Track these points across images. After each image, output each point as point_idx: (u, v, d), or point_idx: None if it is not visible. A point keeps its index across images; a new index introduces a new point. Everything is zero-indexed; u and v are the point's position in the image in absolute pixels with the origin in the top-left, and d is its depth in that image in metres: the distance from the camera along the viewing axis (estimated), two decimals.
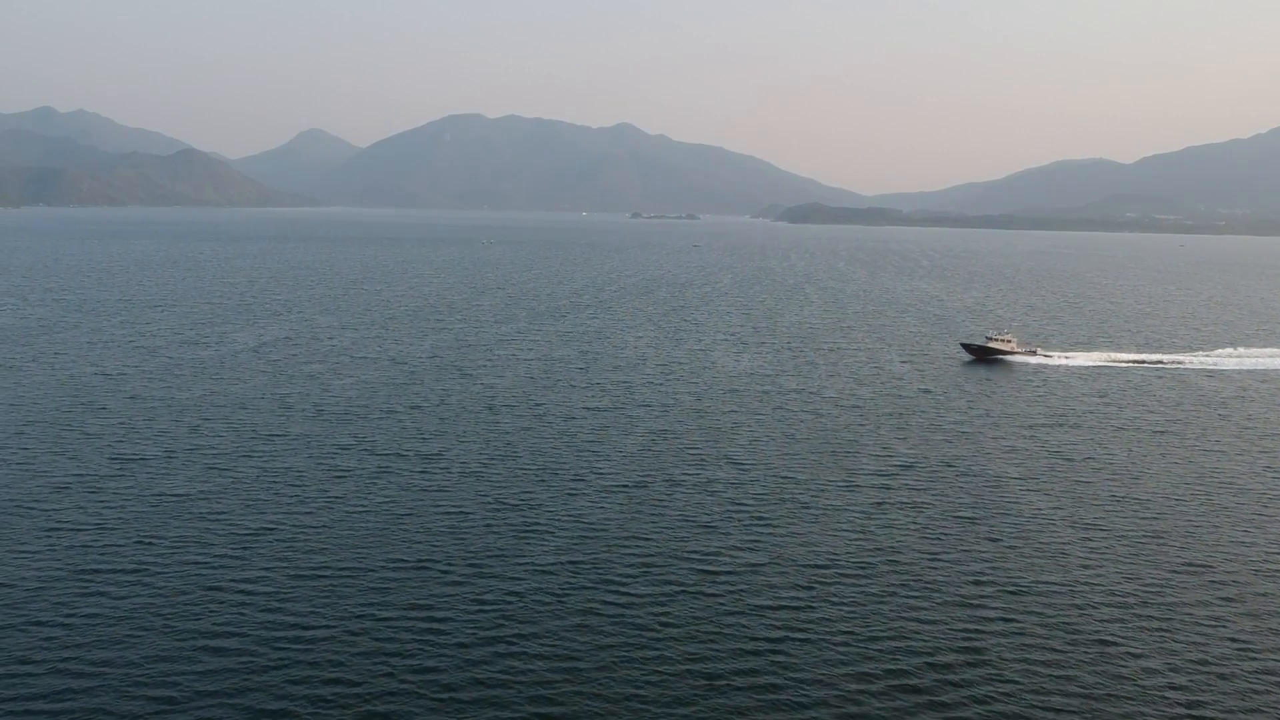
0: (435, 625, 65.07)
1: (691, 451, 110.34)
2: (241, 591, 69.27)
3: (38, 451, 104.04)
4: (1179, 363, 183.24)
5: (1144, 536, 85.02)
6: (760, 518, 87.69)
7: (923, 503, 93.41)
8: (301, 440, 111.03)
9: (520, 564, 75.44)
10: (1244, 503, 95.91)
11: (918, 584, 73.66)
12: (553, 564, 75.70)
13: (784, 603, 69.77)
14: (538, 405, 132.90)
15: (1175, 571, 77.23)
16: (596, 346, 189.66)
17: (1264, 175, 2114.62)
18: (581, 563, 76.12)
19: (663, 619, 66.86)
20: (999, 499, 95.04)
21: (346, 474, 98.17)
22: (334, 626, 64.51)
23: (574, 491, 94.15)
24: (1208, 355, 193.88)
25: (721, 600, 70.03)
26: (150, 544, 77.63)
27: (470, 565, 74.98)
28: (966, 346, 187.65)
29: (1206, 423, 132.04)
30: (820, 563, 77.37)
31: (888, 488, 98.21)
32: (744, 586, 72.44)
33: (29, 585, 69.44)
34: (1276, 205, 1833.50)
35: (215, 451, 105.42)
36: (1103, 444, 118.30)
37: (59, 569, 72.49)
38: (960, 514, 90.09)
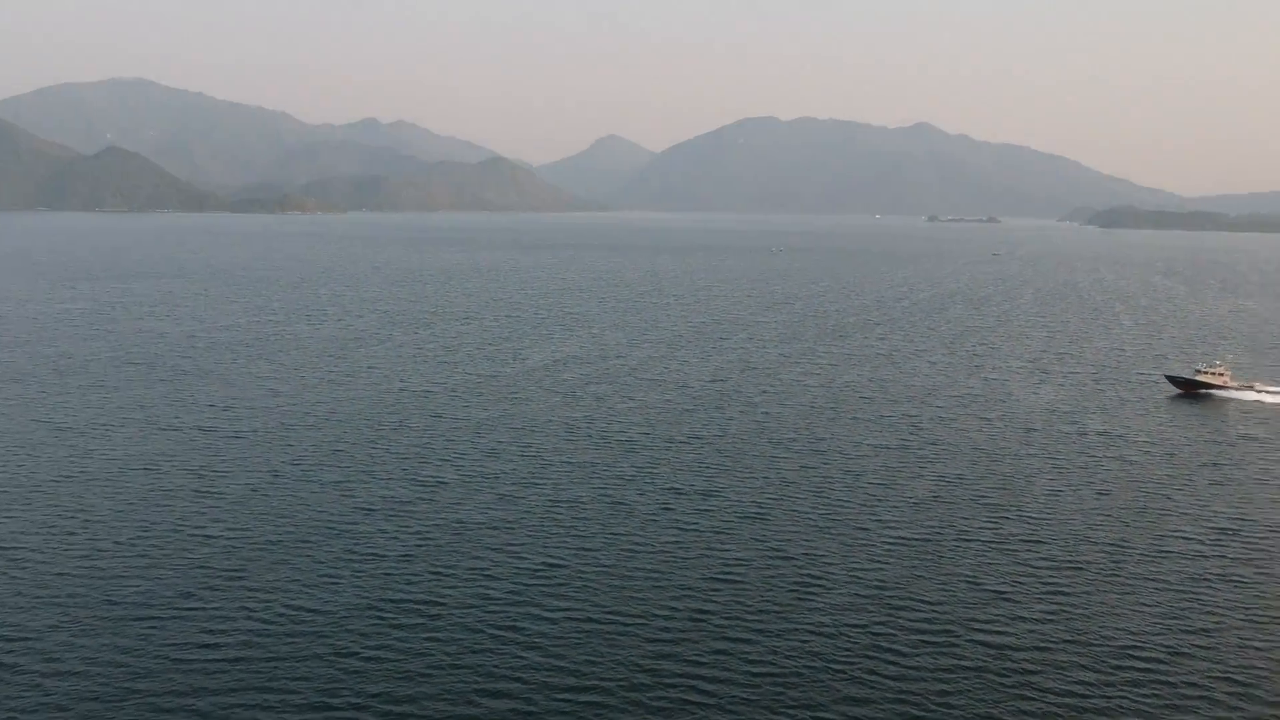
0: (706, 689, 64.28)
1: (984, 501, 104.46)
2: (521, 633, 71.10)
3: (350, 470, 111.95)
4: None
5: None
6: (1055, 586, 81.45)
7: (1246, 578, 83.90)
8: (586, 470, 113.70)
9: (796, 624, 73.43)
10: None
11: (1224, 679, 65.92)
12: (830, 625, 73.24)
13: (1075, 688, 64.22)
14: (820, 440, 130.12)
15: None
16: (884, 372, 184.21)
17: None
18: (859, 626, 73.23)
19: (940, 697, 63.10)
20: None
21: (627, 510, 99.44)
22: (608, 681, 64.99)
23: (855, 543, 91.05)
24: None
25: (1007, 681, 65.31)
26: (444, 576, 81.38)
27: (746, 623, 73.69)
28: (1172, 379, 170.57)
29: None
30: (1123, 643, 70.81)
31: (1204, 556, 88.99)
32: (1033, 667, 67.28)
33: (334, 614, 74.27)
34: None
35: (507, 478, 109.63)
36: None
37: (358, 596, 77.16)
38: None
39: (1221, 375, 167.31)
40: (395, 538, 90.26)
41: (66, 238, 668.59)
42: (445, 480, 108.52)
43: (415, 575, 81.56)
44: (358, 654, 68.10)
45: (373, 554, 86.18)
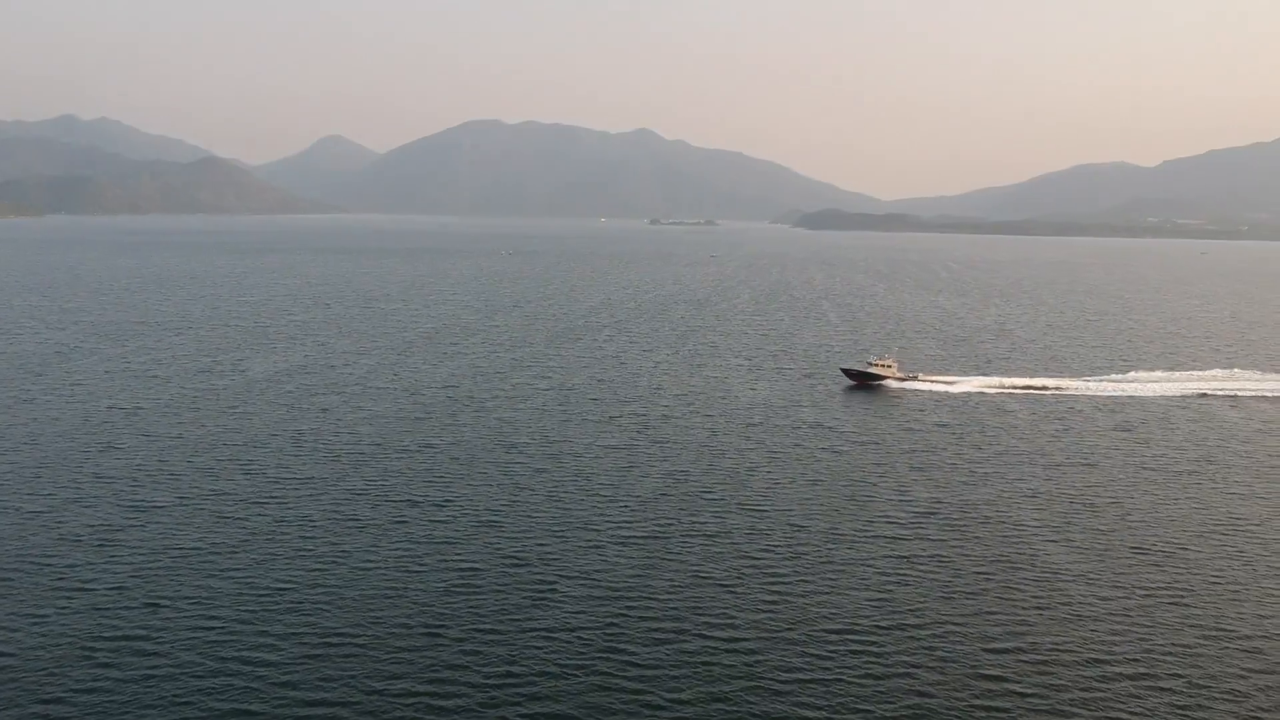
0: (441, 703, 64.11)
1: (708, 496, 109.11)
2: (251, 664, 68.38)
3: (54, 498, 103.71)
4: (1063, 389, 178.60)
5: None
6: (775, 575, 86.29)
7: (945, 556, 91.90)
8: (314, 485, 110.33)
9: (532, 629, 74.31)
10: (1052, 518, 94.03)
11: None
12: (565, 626, 74.54)
13: (799, 666, 68.46)
14: (552, 443, 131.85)
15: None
16: (613, 373, 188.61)
17: None
18: (595, 626, 74.96)
19: (673, 689, 65.71)
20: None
21: (359, 524, 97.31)
22: (345, 704, 63.60)
23: (588, 544, 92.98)
24: (1091, 380, 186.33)
25: (735, 669, 68.77)
26: (158, 607, 76.90)
27: (482, 633, 73.86)
28: (846, 372, 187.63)
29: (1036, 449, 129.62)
30: (837, 625, 76.03)
31: (905, 538, 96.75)
32: (759, 651, 71.10)
33: (35, 654, 68.77)
34: None
35: (229, 498, 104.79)
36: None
37: (67, 635, 71.81)
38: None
39: (889, 367, 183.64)
40: (105, 569, 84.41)
41: None
42: (159, 504, 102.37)
43: (128, 608, 76.64)
44: (64, 700, 63.43)
45: (80, 588, 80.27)
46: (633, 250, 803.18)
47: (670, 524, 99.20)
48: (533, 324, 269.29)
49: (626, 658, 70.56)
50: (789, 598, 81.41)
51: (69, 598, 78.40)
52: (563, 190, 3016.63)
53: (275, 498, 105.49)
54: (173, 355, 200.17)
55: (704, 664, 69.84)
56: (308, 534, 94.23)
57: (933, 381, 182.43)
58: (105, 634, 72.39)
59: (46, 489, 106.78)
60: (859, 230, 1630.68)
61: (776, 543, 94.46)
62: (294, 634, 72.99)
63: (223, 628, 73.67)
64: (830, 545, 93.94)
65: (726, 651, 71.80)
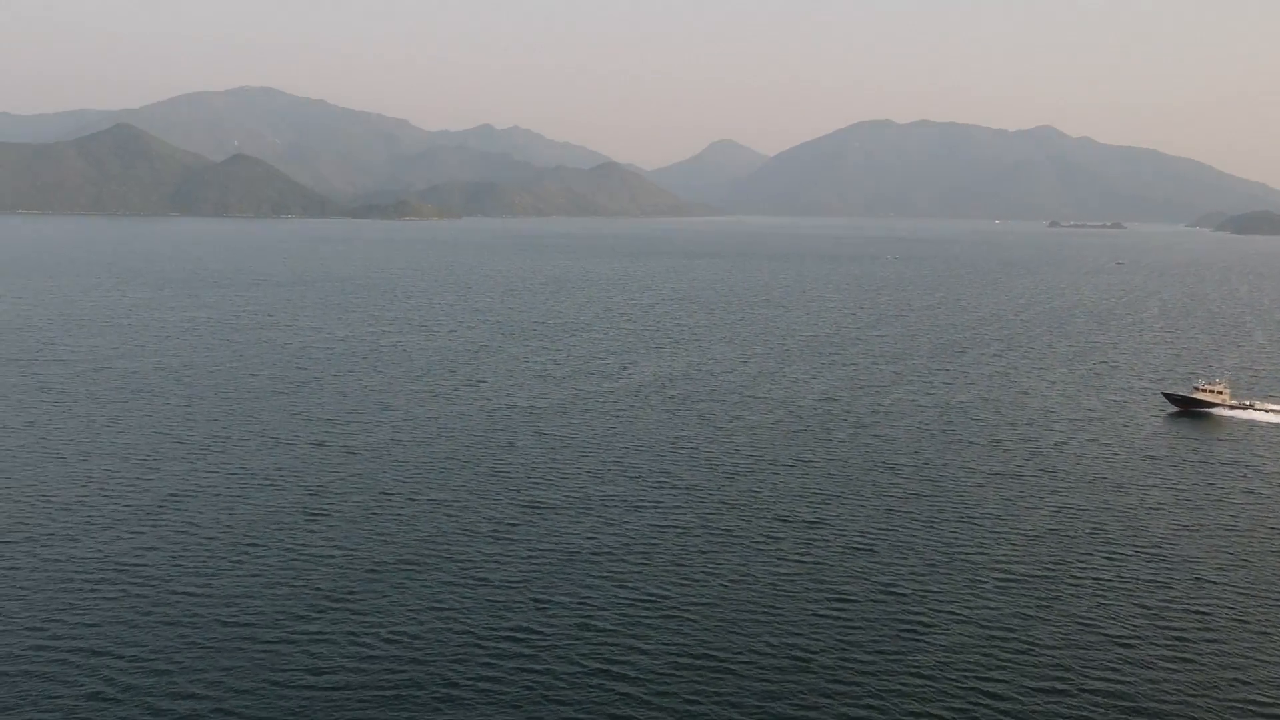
0: None
1: (1101, 536, 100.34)
2: (622, 669, 70.61)
3: (461, 489, 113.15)
4: None
5: None
6: (1179, 631, 77.49)
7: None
8: (692, 494, 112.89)
9: (902, 669, 71.34)
10: None
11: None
12: (936, 668, 70.93)
13: None
14: (931, 466, 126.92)
15: None
16: (999, 393, 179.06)
17: None
18: (968, 669, 70.73)
19: None
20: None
21: (733, 538, 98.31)
22: None
23: (967, 580, 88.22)
24: None
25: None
26: (546, 606, 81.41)
27: (851, 663, 71.91)
28: (1169, 396, 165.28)
29: None
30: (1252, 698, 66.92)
31: None
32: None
33: (438, 641, 74.76)
34: None
35: (613, 501, 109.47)
36: None
37: (465, 627, 77.55)
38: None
39: (1220, 393, 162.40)
40: (500, 563, 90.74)
41: (194, 243, 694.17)
42: (550, 503, 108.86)
43: (518, 603, 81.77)
44: (458, 684, 68.50)
45: (479, 579, 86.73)
46: (1029, 256, 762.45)
47: (1058, 565, 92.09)
48: (916, 335, 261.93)
49: (1001, 706, 66.00)
50: (1194, 659, 72.81)
51: (469, 590, 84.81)
52: (956, 191, 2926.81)
53: (655, 504, 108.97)
54: (567, 356, 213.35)
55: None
56: (684, 544, 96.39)
57: (1270, 411, 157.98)
58: (498, 627, 77.53)
59: (452, 481, 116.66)
60: None
61: (1178, 595, 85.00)
62: (665, 646, 74.58)
63: (600, 631, 76.69)
64: (1244, 602, 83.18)
65: (1118, 711, 65.29)
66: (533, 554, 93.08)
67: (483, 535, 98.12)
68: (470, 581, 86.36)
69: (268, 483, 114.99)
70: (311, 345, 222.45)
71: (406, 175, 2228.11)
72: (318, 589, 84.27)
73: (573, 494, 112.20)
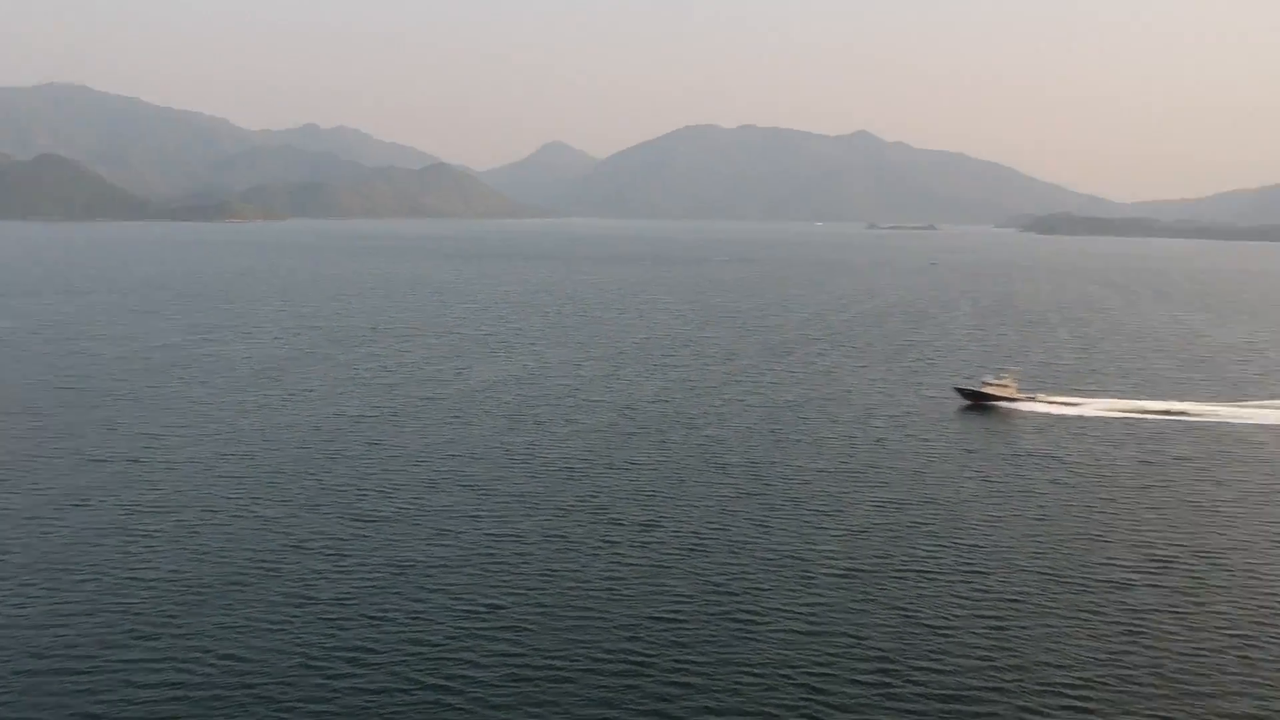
0: None
1: (924, 529, 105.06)
2: (458, 683, 70.03)
3: (287, 504, 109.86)
4: (1210, 415, 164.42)
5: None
6: (994, 618, 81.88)
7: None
8: (528, 501, 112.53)
9: (737, 666, 73.06)
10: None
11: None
12: (770, 664, 72.90)
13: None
14: (761, 465, 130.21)
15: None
16: (824, 391, 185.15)
17: None
18: (799, 668, 72.99)
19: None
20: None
21: (569, 544, 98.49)
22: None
23: (803, 577, 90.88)
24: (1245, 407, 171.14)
25: None
26: (380, 622, 79.94)
27: (686, 665, 73.17)
28: (960, 391, 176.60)
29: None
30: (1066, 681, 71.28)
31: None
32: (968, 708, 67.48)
33: (266, 660, 72.51)
34: None
35: (447, 512, 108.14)
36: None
37: (296, 645, 75.43)
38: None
39: (1005, 386, 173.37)
40: (330, 579, 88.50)
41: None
42: (382, 515, 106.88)
43: (350, 621, 79.97)
44: (289, 707, 66.61)
45: (309, 597, 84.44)
46: (849, 259, 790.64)
47: (882, 558, 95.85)
48: (745, 336, 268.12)
49: (830, 700, 68.37)
50: (1009, 645, 77.03)
51: (298, 607, 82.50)
52: (779, 194, 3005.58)
53: (490, 512, 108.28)
54: (399, 362, 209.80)
55: (914, 713, 66.86)
56: (520, 552, 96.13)
57: (1052, 403, 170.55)
58: (329, 645, 75.66)
59: (282, 495, 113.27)
60: (1093, 235, 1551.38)
61: (994, 584, 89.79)
62: (503, 658, 74.22)
63: (435, 646, 75.76)
64: (1052, 588, 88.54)
65: (939, 700, 68.50)
66: (365, 569, 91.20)
67: (312, 551, 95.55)
68: (299, 600, 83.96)
69: (80, 503, 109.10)
70: (127, 355, 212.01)
71: (227, 176, 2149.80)
72: (136, 614, 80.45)
73: (406, 505, 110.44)
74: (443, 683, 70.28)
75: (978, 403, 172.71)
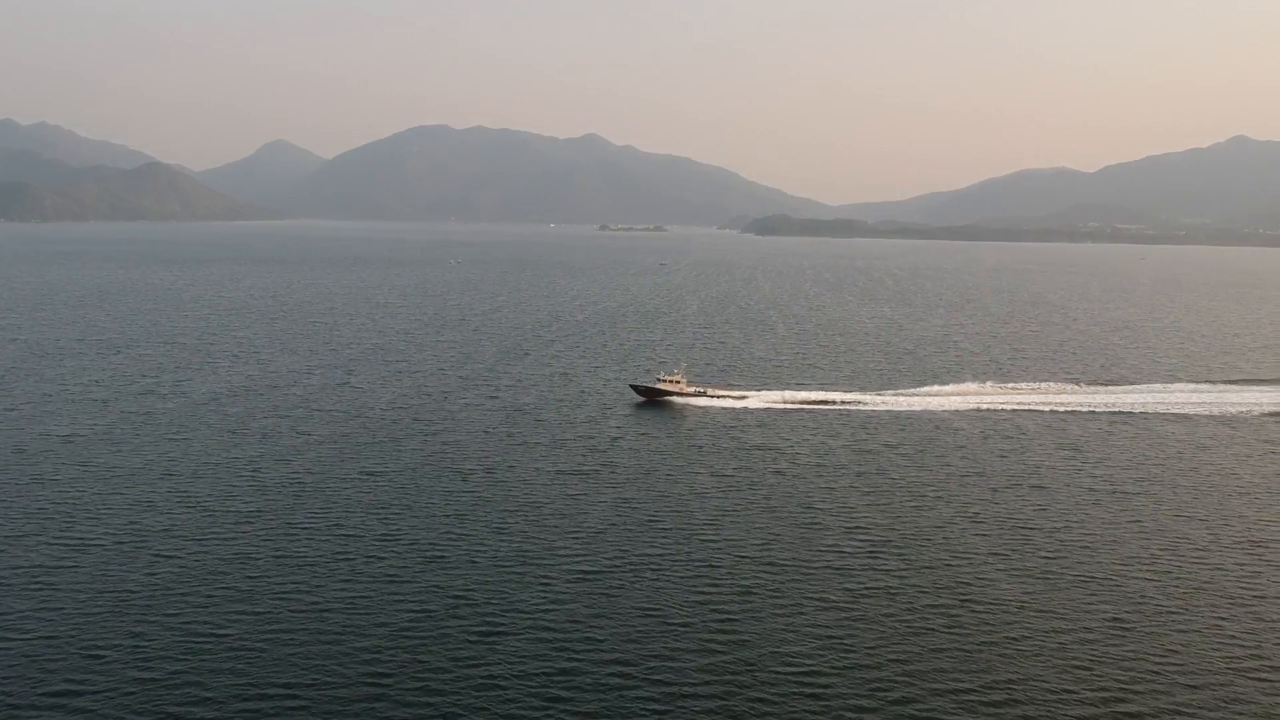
0: None
1: (659, 527, 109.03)
2: (189, 718, 67.18)
3: None
4: (858, 403, 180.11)
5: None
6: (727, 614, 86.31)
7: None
8: (256, 519, 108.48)
9: (477, 678, 73.66)
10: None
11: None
12: (509, 675, 73.95)
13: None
14: (499, 470, 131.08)
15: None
16: (560, 392, 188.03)
17: (1224, 184, 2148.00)
18: (539, 675, 74.42)
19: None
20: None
21: (301, 562, 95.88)
22: None
23: (542, 582, 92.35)
24: (887, 394, 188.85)
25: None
26: (97, 657, 75.25)
27: (427, 676, 73.07)
28: (635, 388, 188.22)
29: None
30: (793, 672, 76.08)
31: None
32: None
33: None
34: (1235, 214, 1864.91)
35: (168, 535, 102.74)
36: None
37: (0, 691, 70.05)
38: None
39: (677, 382, 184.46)
40: (41, 616, 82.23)
41: None
42: (96, 541, 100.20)
43: (63, 659, 74.75)
44: None
45: (15, 633, 78.34)
46: (582, 259, 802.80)
47: (619, 558, 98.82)
48: (481, 339, 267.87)
49: (565, 707, 70.10)
50: (739, 637, 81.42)
51: (1, 648, 76.41)
52: (512, 196, 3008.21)
53: (215, 533, 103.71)
54: (112, 376, 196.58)
55: (653, 713, 69.64)
56: (249, 574, 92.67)
57: (720, 397, 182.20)
58: (42, 690, 70.50)
59: None
60: (807, 236, 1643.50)
61: (722, 578, 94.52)
62: (235, 686, 71.57)
63: (160, 679, 72.08)
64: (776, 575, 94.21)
65: (674, 698, 71.60)
66: (79, 601, 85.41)
67: (16, 586, 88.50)
68: (3, 638, 77.77)
69: None
70: None
71: None
72: None
73: (123, 529, 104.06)
74: (171, 711, 67.15)
75: (651, 398, 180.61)
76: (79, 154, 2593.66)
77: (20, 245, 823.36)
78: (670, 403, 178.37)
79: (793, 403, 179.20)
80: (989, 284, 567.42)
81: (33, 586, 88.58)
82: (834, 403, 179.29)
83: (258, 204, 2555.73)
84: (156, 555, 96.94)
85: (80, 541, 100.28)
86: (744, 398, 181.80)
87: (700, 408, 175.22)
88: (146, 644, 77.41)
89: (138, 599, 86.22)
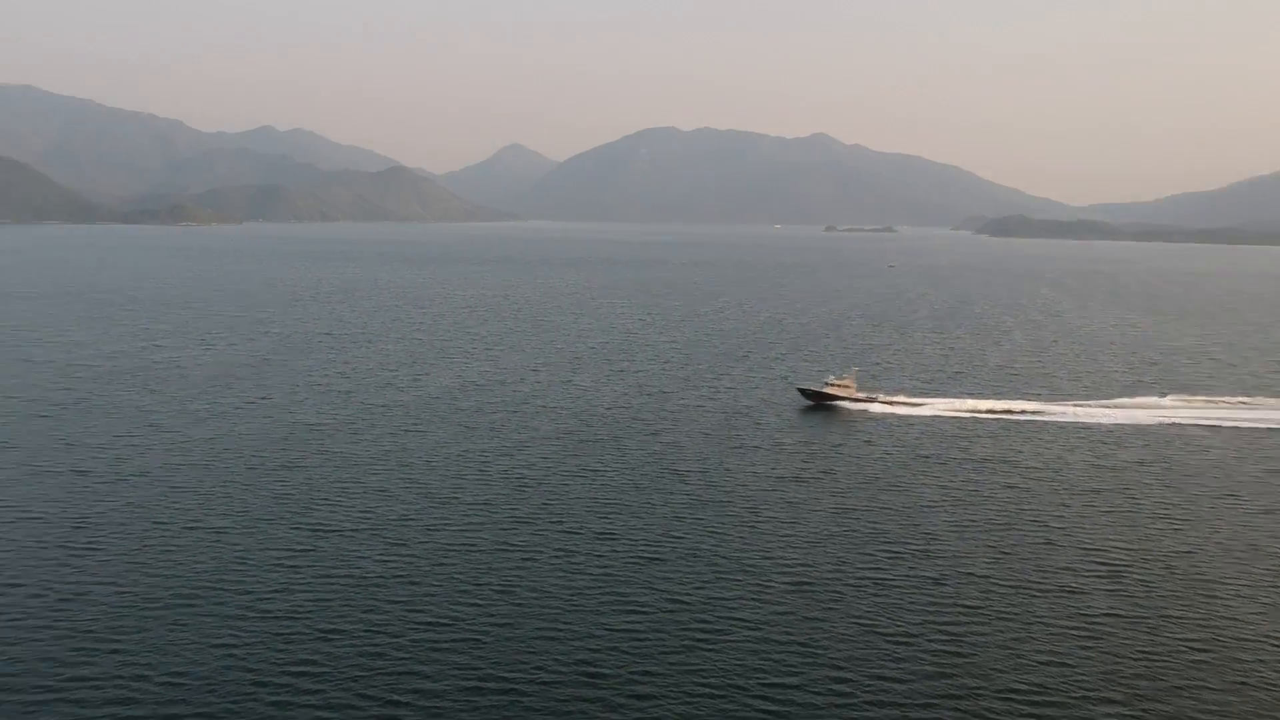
0: None
1: (883, 538, 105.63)
2: (415, 698, 69.43)
3: (242, 516, 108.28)
4: (1043, 413, 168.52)
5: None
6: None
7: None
8: (483, 510, 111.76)
9: (692, 676, 73.02)
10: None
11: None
12: (719, 673, 72.92)
13: None
14: (717, 472, 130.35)
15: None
16: (779, 397, 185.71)
17: None
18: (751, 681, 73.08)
19: None
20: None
21: (524, 555, 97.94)
22: None
23: (759, 586, 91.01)
24: (1085, 405, 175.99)
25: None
26: (330, 638, 79.02)
27: (641, 676, 72.96)
28: (802, 391, 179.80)
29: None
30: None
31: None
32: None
33: (217, 681, 71.45)
34: None
35: (401, 523, 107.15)
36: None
37: (245, 664, 74.36)
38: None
39: (846, 386, 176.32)
40: (283, 593, 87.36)
41: None
42: (335, 527, 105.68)
43: (302, 635, 79.03)
44: None
45: (261, 612, 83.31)
46: (807, 260, 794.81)
47: (840, 567, 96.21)
48: (703, 340, 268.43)
49: (783, 710, 68.42)
50: (966, 652, 77.56)
51: (249, 622, 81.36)
52: (737, 197, 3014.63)
53: (445, 523, 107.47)
54: (355, 369, 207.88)
55: None
56: (474, 564, 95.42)
57: (892, 403, 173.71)
58: (280, 660, 74.67)
59: (235, 506, 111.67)
60: (1046, 238, 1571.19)
61: (950, 591, 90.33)
62: (459, 669, 73.69)
63: (388, 664, 74.89)
64: (1011, 595, 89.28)
65: (897, 707, 68.75)
66: (318, 581, 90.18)
67: (265, 564, 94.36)
68: (251, 615, 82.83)
69: (26, 515, 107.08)
70: (76, 363, 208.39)
71: (182, 179, 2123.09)
72: (86, 631, 79.05)
73: (361, 515, 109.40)
74: (397, 697, 69.71)
75: (819, 403, 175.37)
76: (330, 158, 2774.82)
77: (276, 244, 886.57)
78: (838, 408, 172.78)
79: (978, 411, 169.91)
80: (1251, 290, 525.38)
81: (278, 566, 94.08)
82: (1023, 413, 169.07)
83: (492, 206, 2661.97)
84: (389, 541, 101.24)
85: (320, 525, 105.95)
86: (918, 404, 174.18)
87: (877, 415, 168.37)
88: (378, 628, 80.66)
89: (370, 582, 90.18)
